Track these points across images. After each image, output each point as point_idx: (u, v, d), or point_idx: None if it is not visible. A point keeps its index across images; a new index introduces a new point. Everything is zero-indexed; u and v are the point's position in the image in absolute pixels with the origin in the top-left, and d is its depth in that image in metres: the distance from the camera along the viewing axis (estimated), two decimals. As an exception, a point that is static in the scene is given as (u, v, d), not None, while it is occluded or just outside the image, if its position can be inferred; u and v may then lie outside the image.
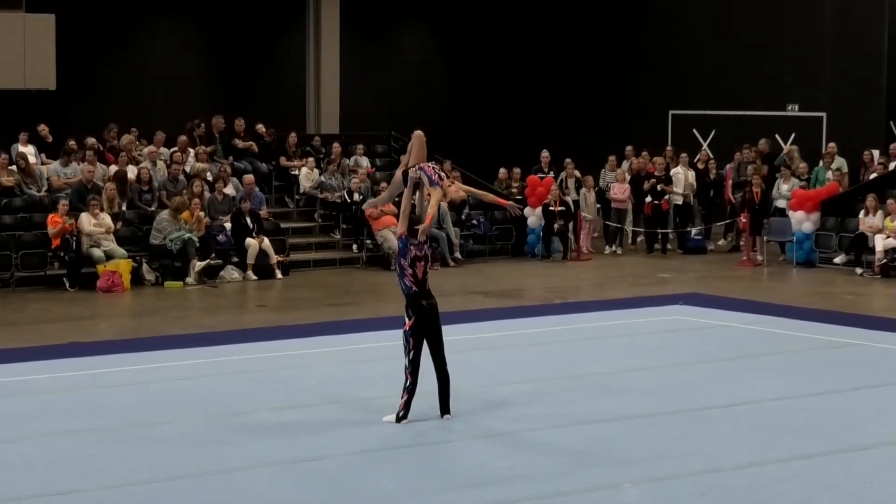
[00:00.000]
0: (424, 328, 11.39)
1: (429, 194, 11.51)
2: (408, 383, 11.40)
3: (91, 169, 21.70)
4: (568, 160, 25.78)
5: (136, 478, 9.87)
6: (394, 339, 12.07)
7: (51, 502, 9.33)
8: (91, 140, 22.57)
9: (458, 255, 23.26)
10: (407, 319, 11.39)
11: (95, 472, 10.04)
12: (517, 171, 25.69)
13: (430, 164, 11.69)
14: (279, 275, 21.67)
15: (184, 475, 9.96)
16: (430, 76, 31.56)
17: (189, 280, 20.74)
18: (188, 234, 20.81)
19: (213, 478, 9.91)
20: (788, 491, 9.60)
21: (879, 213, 22.12)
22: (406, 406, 11.42)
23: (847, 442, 10.98)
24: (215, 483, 9.79)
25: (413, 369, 11.39)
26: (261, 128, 25.11)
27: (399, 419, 11.41)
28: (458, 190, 11.62)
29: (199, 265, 20.83)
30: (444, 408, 11.60)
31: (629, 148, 26.47)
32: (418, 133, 11.83)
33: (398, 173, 11.99)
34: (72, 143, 22.30)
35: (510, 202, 12.03)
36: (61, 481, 9.78)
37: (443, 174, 11.65)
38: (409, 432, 11.19)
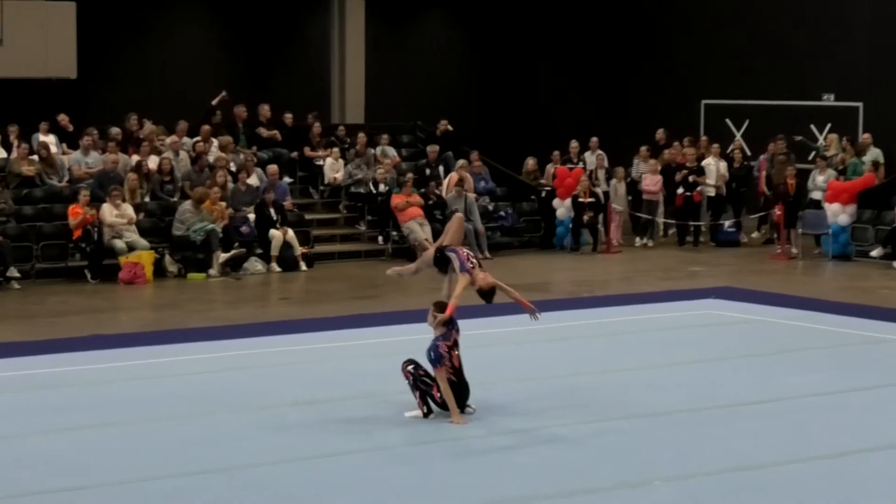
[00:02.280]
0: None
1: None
2: (411, 381, 11.36)
3: (115, 159, 21.53)
4: (600, 152, 25.52)
5: (158, 472, 9.79)
6: (419, 333, 11.93)
7: (73, 497, 9.25)
8: (115, 130, 22.41)
9: (486, 254, 22.87)
10: (436, 391, 11.26)
11: (117, 467, 9.94)
12: (559, 161, 25.33)
13: (463, 249, 11.66)
14: (303, 267, 21.50)
15: (205, 470, 9.87)
16: (456, 64, 31.36)
17: (212, 272, 20.55)
18: (211, 225, 20.60)
19: (236, 473, 9.81)
20: (822, 488, 9.51)
21: (916, 205, 21.81)
22: (424, 401, 11.32)
23: (882, 439, 10.85)
24: (238, 478, 9.68)
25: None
26: (288, 117, 24.88)
27: (426, 415, 11.32)
28: (486, 277, 11.41)
29: (223, 257, 20.62)
30: (463, 406, 11.48)
31: (660, 132, 26.06)
32: (458, 215, 12.23)
33: (431, 251, 12.01)
34: (87, 138, 21.97)
35: (532, 306, 11.76)
36: (82, 476, 9.71)
37: (475, 261, 11.52)
38: (433, 428, 11.07)
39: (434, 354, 11.16)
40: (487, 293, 11.38)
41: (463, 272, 11.37)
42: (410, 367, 11.36)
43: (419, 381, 11.33)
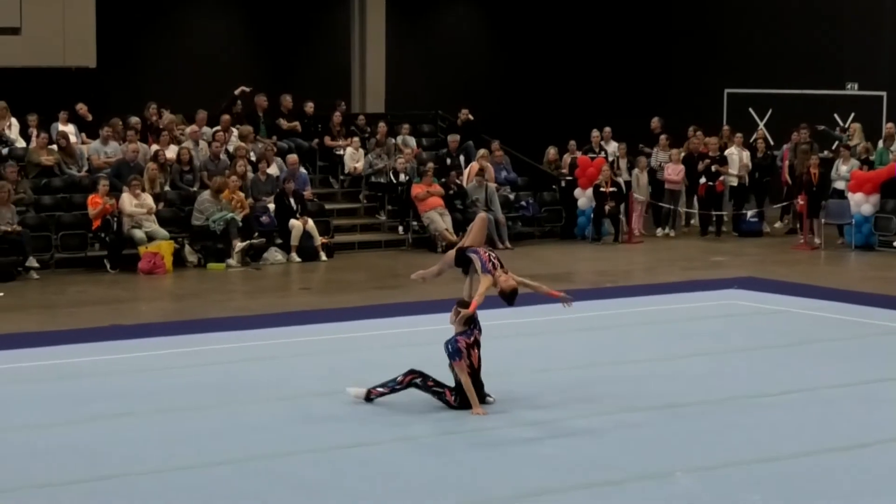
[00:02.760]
0: None
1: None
2: (399, 386, 11.31)
3: (135, 148, 21.48)
4: (621, 144, 25.35)
5: (177, 463, 9.75)
6: (440, 323, 11.83)
7: (91, 487, 9.21)
8: (134, 119, 22.36)
9: (507, 244, 22.80)
10: (449, 395, 11.18)
11: (137, 457, 9.92)
12: (576, 151, 25.17)
13: (485, 250, 11.57)
14: (323, 257, 21.42)
15: (225, 461, 9.81)
16: (477, 53, 31.19)
17: (231, 262, 20.47)
18: (231, 215, 20.53)
19: (255, 463, 9.75)
20: (844, 480, 9.44)
21: (941, 195, 21.61)
22: (382, 395, 11.35)
23: (905, 430, 10.79)
24: (257, 468, 9.63)
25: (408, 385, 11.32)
26: (309, 105, 24.78)
27: (368, 399, 11.35)
28: (508, 279, 11.29)
29: (240, 245, 20.54)
30: (483, 397, 11.40)
31: (655, 120, 25.85)
32: (482, 215, 12.11)
33: (452, 252, 11.96)
34: (108, 128, 21.92)
35: (563, 294, 11.67)
36: (102, 466, 9.69)
37: (496, 262, 11.42)
38: (454, 419, 10.98)
39: (452, 348, 11.08)
40: (509, 295, 11.26)
41: (485, 273, 11.28)
42: (418, 380, 11.25)
43: (430, 391, 11.25)
